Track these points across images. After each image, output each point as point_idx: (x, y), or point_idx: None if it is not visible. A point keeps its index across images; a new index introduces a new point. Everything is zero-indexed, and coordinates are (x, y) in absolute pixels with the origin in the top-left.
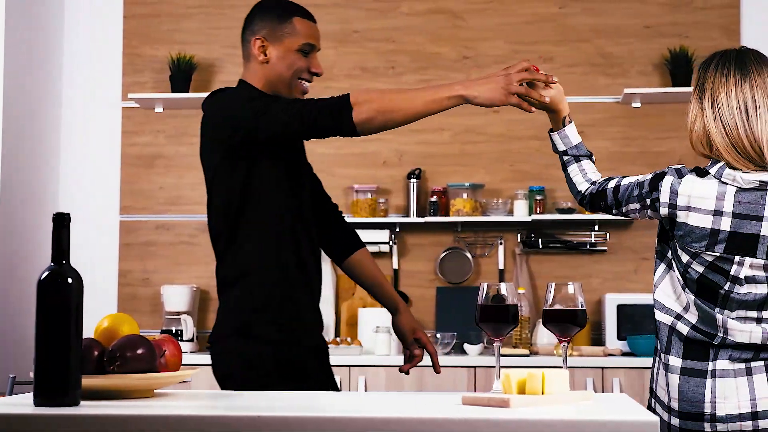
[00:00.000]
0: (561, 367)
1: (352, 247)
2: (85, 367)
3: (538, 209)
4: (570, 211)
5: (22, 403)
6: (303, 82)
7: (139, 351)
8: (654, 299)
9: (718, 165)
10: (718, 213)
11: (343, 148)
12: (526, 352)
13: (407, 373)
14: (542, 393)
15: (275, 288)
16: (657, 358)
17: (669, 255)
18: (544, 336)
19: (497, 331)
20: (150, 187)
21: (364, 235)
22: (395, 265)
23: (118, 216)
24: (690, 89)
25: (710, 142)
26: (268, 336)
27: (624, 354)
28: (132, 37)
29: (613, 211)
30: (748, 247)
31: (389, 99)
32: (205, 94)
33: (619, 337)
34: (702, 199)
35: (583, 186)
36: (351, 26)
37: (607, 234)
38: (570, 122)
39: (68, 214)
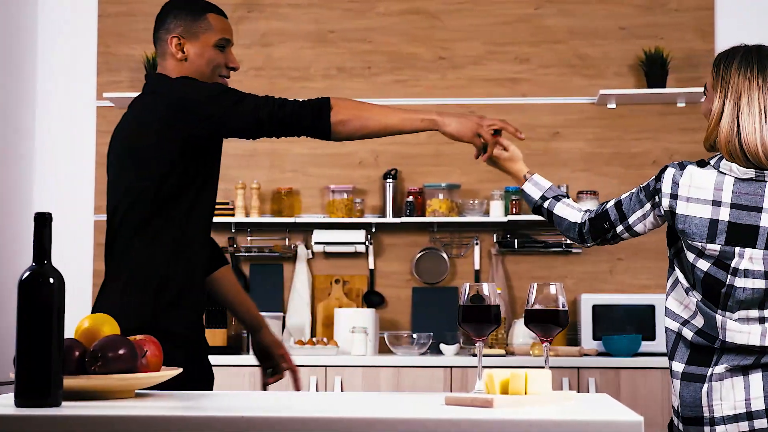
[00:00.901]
0: (541, 367)
1: (218, 263)
2: (66, 367)
3: (514, 210)
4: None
5: (3, 404)
6: (222, 78)
7: (121, 351)
8: (665, 307)
9: (717, 157)
10: (716, 203)
11: (318, 149)
12: (502, 352)
13: (266, 388)
14: (525, 393)
15: (187, 285)
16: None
17: (675, 262)
18: (519, 336)
19: (479, 331)
20: None
21: (341, 235)
22: (371, 266)
23: (92, 216)
24: (665, 90)
25: (716, 140)
26: (177, 333)
27: (599, 354)
28: (107, 36)
29: (617, 229)
30: (748, 238)
31: (367, 108)
32: None
33: (595, 337)
34: (701, 189)
35: (577, 216)
36: (327, 26)
37: None
38: (533, 174)
39: (50, 214)
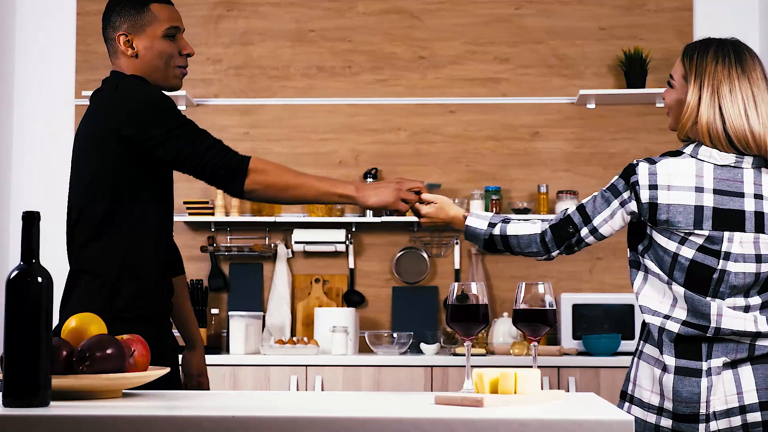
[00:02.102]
0: (528, 366)
1: (176, 270)
2: (53, 367)
3: (494, 209)
4: (526, 211)
5: None
6: (179, 69)
7: (109, 351)
8: (639, 305)
9: (692, 145)
10: (699, 189)
11: (298, 148)
12: (483, 351)
13: None
14: (515, 392)
15: (148, 283)
16: (637, 359)
17: (644, 260)
18: (500, 335)
19: (468, 330)
20: None
21: (320, 234)
22: (351, 265)
23: None
24: (644, 90)
25: (696, 128)
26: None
27: (579, 353)
28: (86, 35)
29: (582, 233)
30: (736, 223)
31: (286, 178)
32: None
33: (575, 337)
34: (682, 177)
35: (535, 227)
36: (307, 25)
37: None
38: (470, 212)
39: (38, 213)
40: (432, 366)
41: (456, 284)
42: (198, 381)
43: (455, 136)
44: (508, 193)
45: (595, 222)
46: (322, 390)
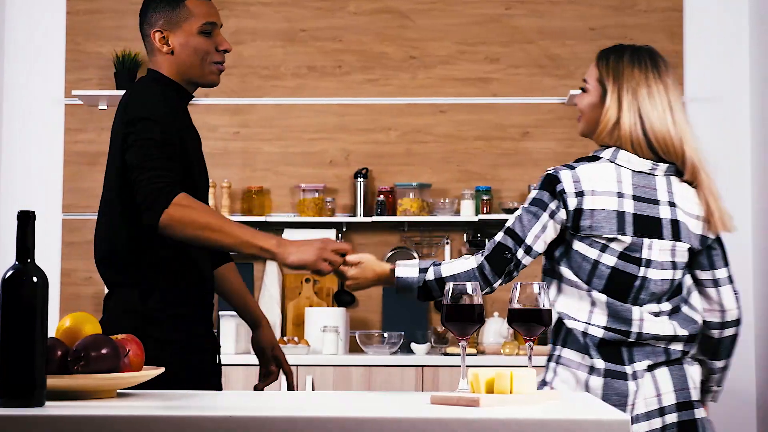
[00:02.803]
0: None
1: (222, 259)
2: (48, 367)
3: (485, 209)
4: (515, 211)
5: None
6: (216, 65)
7: (104, 351)
8: (557, 312)
9: (611, 149)
10: (620, 195)
11: (289, 147)
12: (474, 351)
13: (261, 389)
14: (511, 392)
15: (179, 290)
16: (555, 364)
17: (559, 268)
18: (490, 335)
19: (463, 330)
20: (93, 185)
21: (311, 234)
22: None
23: (60, 214)
24: None
25: (617, 132)
26: (165, 336)
27: None
28: (75, 34)
29: (518, 255)
30: (655, 230)
31: (208, 219)
32: None
33: None
34: (604, 182)
35: (470, 262)
36: (298, 25)
37: None
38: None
39: (33, 212)
40: (423, 366)
41: (451, 284)
42: (273, 355)
43: (446, 136)
44: (498, 193)
45: (528, 240)
46: (313, 390)
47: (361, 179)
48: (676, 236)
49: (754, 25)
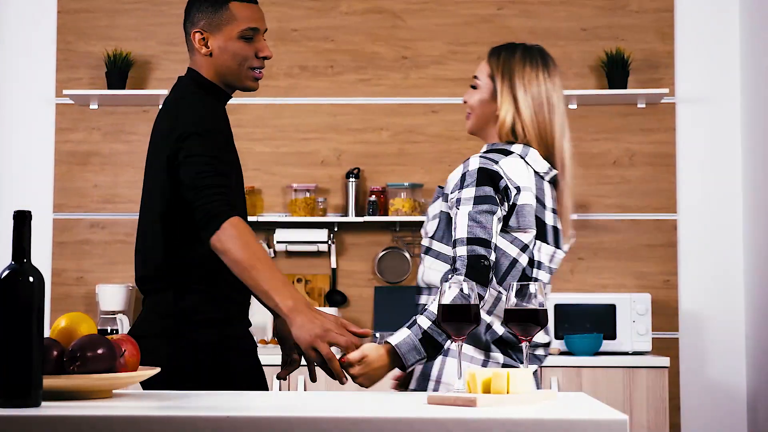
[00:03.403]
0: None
1: None
2: (44, 367)
3: None
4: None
5: None
6: (254, 71)
7: (100, 351)
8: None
9: (521, 146)
10: (533, 192)
11: (281, 147)
12: None
13: (284, 378)
14: (507, 392)
15: (214, 291)
16: (444, 357)
17: None
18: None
19: (460, 330)
20: (84, 185)
21: (302, 234)
22: (333, 265)
23: (51, 214)
24: (626, 91)
25: (517, 129)
26: (199, 337)
27: (562, 353)
28: (66, 33)
29: (492, 259)
30: (543, 233)
31: (242, 256)
32: (141, 92)
33: (557, 336)
34: (525, 178)
35: (453, 290)
36: (290, 25)
37: None
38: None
39: (29, 212)
40: None
41: (447, 284)
42: (291, 345)
43: (438, 135)
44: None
45: (494, 240)
46: (305, 390)
47: (353, 179)
48: (557, 243)
49: (745, 27)
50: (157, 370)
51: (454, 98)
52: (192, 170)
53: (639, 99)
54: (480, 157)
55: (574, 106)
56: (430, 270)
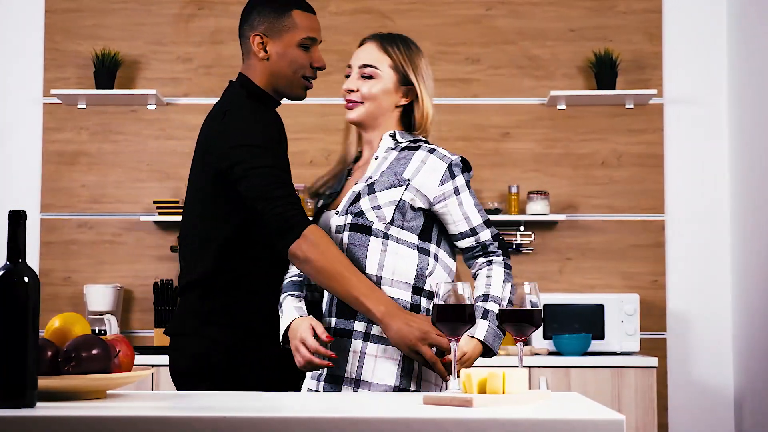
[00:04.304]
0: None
1: None
2: (38, 367)
3: None
4: (496, 211)
5: None
6: (306, 80)
7: (95, 351)
8: (425, 289)
9: (424, 140)
10: None
11: None
12: None
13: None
14: (503, 392)
15: (240, 293)
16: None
17: (438, 248)
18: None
19: (454, 330)
20: (72, 184)
21: None
22: None
23: (38, 214)
24: (614, 92)
25: (428, 124)
26: (221, 337)
27: (550, 353)
28: (54, 32)
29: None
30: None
31: (325, 264)
32: (130, 91)
33: (545, 337)
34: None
35: (499, 270)
36: None
37: (533, 234)
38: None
39: (24, 212)
40: None
41: (442, 284)
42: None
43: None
44: (479, 194)
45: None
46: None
47: None
48: None
49: (733, 28)
50: (150, 372)
51: (442, 99)
52: (259, 181)
53: (627, 100)
54: (442, 149)
55: (562, 107)
56: (400, 259)
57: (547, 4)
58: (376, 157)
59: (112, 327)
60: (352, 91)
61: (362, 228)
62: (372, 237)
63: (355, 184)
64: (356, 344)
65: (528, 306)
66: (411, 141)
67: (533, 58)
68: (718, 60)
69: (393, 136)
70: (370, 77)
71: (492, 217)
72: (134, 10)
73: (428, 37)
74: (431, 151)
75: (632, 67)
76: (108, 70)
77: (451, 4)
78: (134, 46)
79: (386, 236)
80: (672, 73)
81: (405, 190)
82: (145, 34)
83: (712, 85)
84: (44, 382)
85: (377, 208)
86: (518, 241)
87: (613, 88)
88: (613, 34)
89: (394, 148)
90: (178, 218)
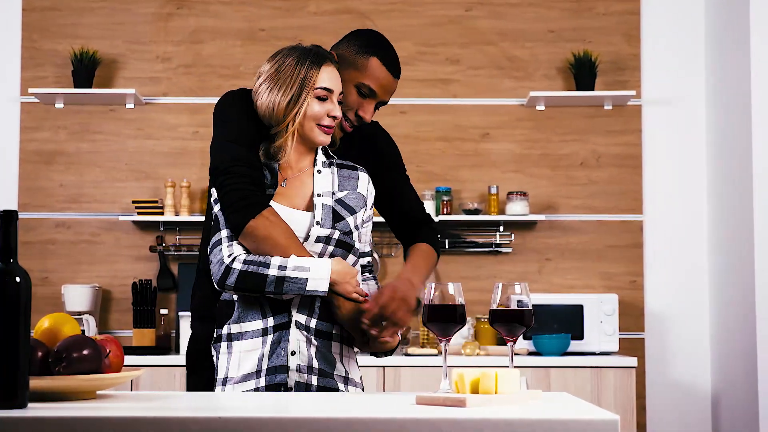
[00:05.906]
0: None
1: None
2: (29, 368)
3: (445, 210)
4: (476, 212)
5: None
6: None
7: (85, 351)
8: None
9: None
10: None
11: None
12: (435, 351)
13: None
14: (495, 392)
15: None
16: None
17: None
18: None
19: (445, 330)
20: (50, 184)
21: None
22: None
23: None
24: (593, 93)
25: None
26: (196, 331)
27: (530, 353)
28: (32, 31)
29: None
30: None
31: (277, 235)
32: (108, 91)
33: (525, 337)
34: None
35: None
36: (257, 24)
37: (512, 235)
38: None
39: (15, 212)
40: (384, 366)
41: (433, 284)
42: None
43: (406, 136)
44: (458, 194)
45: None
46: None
47: None
48: None
49: (710, 30)
50: (141, 371)
51: (422, 99)
52: (214, 156)
53: (606, 101)
54: None
55: (541, 108)
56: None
57: (526, 5)
58: (319, 171)
59: (90, 327)
60: (336, 117)
61: (346, 245)
62: (351, 255)
63: (318, 196)
64: (335, 346)
65: (518, 306)
66: (338, 156)
67: (513, 58)
68: (696, 62)
69: (325, 152)
70: (339, 102)
71: (471, 218)
72: (113, 8)
73: (408, 37)
74: (361, 169)
75: (611, 69)
76: (86, 69)
77: (431, 4)
78: (113, 45)
79: (358, 255)
80: (650, 74)
81: (365, 209)
82: (124, 33)
83: (690, 87)
84: (35, 383)
85: (356, 228)
86: (498, 242)
87: (592, 89)
88: (592, 36)
89: (327, 164)
90: (157, 218)
